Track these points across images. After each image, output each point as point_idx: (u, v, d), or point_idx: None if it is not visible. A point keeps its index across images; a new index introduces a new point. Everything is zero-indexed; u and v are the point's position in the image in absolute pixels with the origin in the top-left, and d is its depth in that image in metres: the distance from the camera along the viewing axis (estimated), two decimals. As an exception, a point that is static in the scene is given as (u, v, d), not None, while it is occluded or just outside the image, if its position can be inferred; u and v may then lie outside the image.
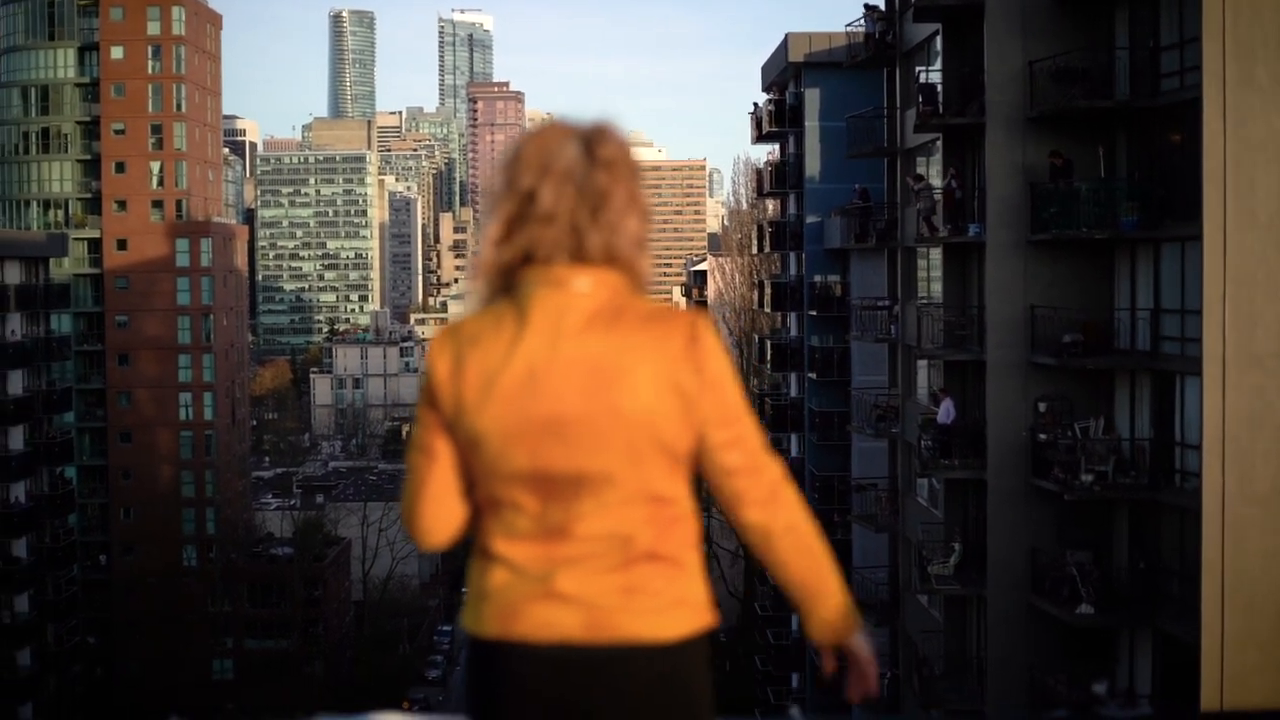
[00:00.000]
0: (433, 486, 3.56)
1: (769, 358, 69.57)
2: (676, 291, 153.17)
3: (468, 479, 3.56)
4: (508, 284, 3.52)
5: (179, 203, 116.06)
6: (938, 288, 44.03)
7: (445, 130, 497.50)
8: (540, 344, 3.40)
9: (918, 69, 45.75)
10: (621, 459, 3.40)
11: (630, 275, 3.51)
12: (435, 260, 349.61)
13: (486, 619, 3.48)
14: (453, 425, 3.50)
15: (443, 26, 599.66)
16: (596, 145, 3.49)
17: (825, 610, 3.66)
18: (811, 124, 61.97)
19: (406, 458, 3.64)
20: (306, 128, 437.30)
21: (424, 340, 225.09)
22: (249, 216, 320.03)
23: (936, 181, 43.76)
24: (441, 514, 3.58)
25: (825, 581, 3.66)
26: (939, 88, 42.22)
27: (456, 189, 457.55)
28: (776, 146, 71.66)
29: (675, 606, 3.45)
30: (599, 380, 3.38)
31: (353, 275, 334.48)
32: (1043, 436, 38.06)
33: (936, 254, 44.13)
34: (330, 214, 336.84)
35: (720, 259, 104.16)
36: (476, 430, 3.45)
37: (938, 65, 43.65)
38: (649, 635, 3.41)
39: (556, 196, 3.45)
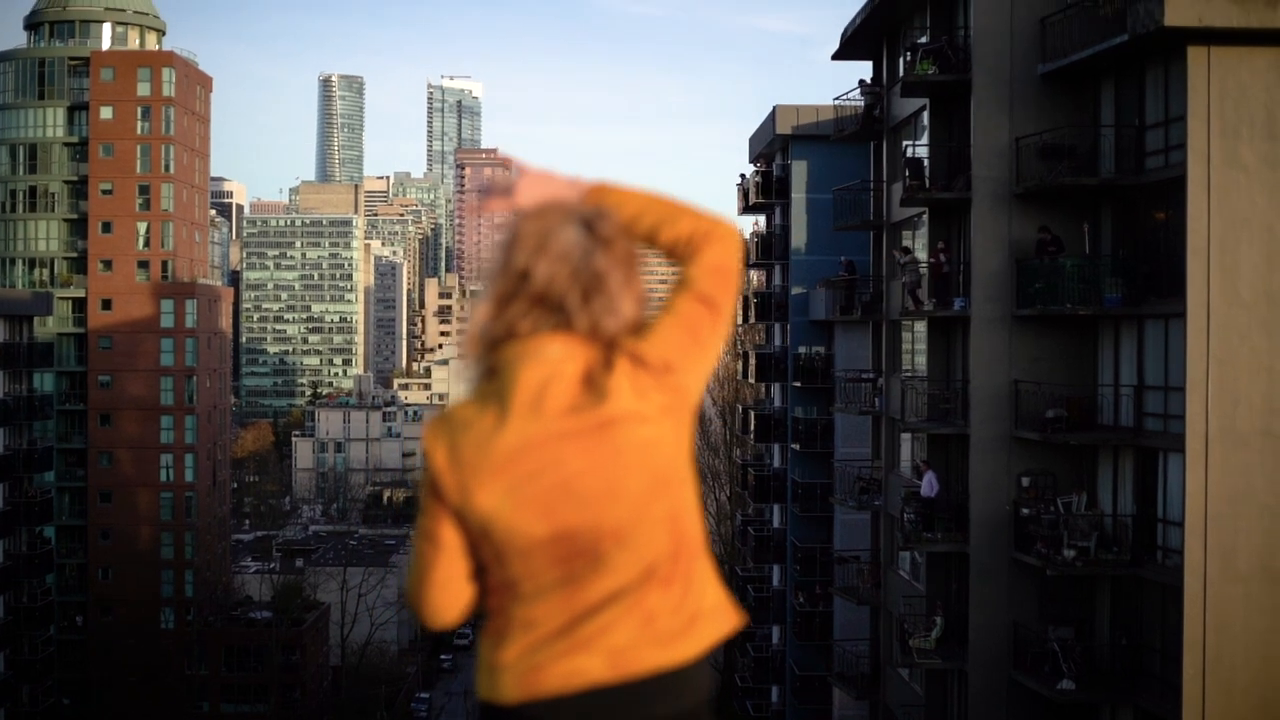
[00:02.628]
0: (439, 572, 3.51)
1: (752, 428, 69.47)
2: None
3: (475, 561, 3.52)
4: (493, 361, 3.47)
5: (165, 263, 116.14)
6: (922, 360, 44.08)
7: (432, 196, 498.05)
8: (527, 415, 3.36)
9: (905, 143, 45.93)
10: (637, 497, 3.37)
11: (606, 345, 3.44)
12: (420, 325, 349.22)
13: (506, 687, 3.41)
14: (460, 512, 3.45)
15: (431, 92, 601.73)
16: (596, 226, 3.46)
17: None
18: (798, 195, 62.15)
19: (413, 543, 3.58)
20: (294, 191, 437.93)
21: (407, 405, 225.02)
22: (234, 278, 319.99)
23: (922, 255, 43.88)
24: (448, 598, 3.54)
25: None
26: (926, 162, 42.37)
27: (442, 254, 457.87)
28: (763, 217, 71.82)
29: (692, 623, 3.43)
30: (591, 435, 3.34)
31: (337, 339, 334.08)
32: (1025, 511, 38.07)
33: (921, 327, 44.19)
34: (315, 277, 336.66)
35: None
36: (485, 512, 3.40)
37: (925, 140, 43.83)
38: (669, 663, 3.39)
39: (550, 277, 3.41)
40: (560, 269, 3.41)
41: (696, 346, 3.49)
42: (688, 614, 3.43)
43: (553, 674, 3.36)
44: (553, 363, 3.38)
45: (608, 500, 3.35)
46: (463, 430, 3.43)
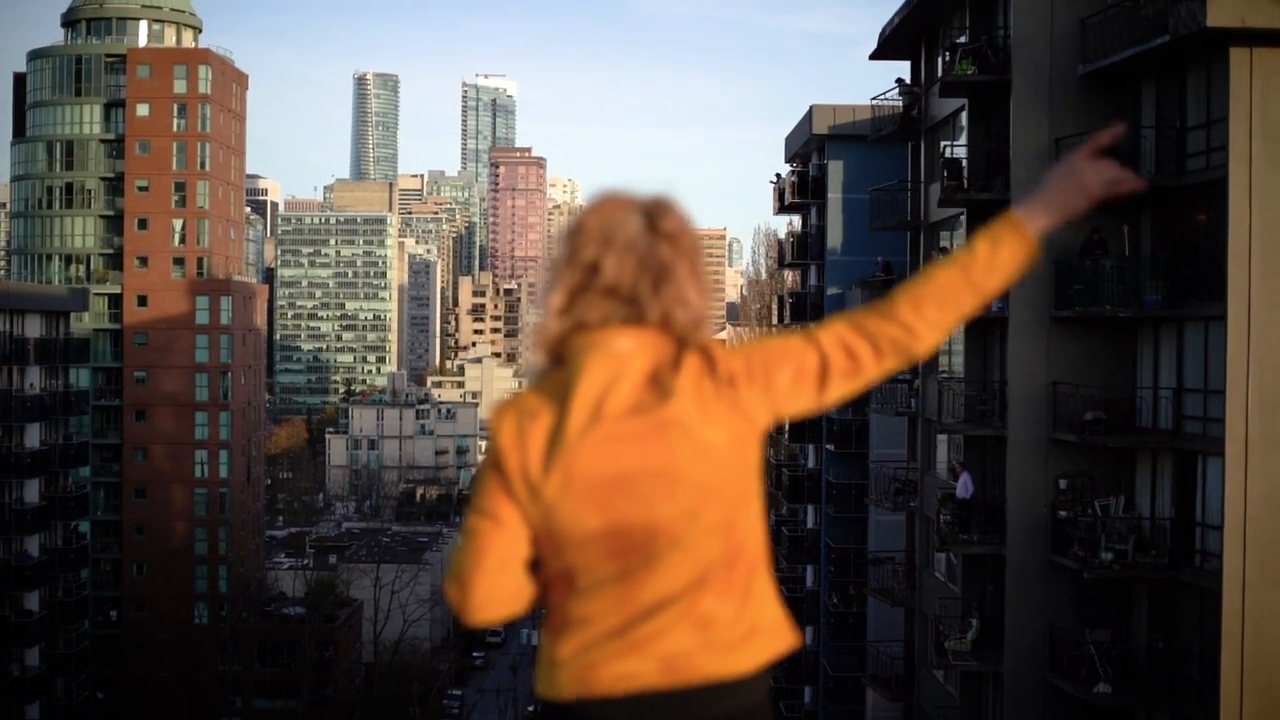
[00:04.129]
0: (495, 554, 3.49)
1: (786, 429, 69.38)
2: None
3: (533, 553, 3.51)
4: (562, 353, 3.52)
5: (200, 260, 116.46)
6: (959, 362, 43.93)
7: (466, 194, 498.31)
8: (591, 410, 3.40)
9: (943, 144, 45.75)
10: (691, 500, 3.40)
11: (676, 337, 3.49)
12: (453, 323, 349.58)
13: (562, 683, 3.45)
14: (521, 498, 3.47)
15: (466, 91, 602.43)
16: (659, 218, 3.50)
17: (1001, 247, 3.71)
18: (834, 196, 62.01)
19: (466, 526, 3.55)
20: (328, 188, 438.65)
21: (440, 403, 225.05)
22: (268, 275, 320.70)
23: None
24: (500, 585, 3.51)
25: (971, 263, 3.67)
26: (964, 163, 42.21)
27: (476, 253, 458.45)
28: (798, 217, 71.68)
29: (749, 637, 3.45)
30: (650, 435, 3.39)
31: (370, 337, 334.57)
32: (1063, 513, 37.85)
33: (958, 328, 43.97)
34: (350, 275, 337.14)
35: (738, 328, 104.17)
36: (545, 501, 3.43)
37: (963, 140, 43.64)
38: (725, 673, 3.41)
39: (619, 267, 3.46)
40: (628, 260, 3.46)
41: (767, 381, 3.51)
42: (746, 626, 3.45)
43: (605, 675, 3.40)
44: (621, 358, 3.43)
45: (661, 499, 3.38)
46: (530, 417, 3.47)
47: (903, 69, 50.68)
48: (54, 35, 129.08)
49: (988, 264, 3.66)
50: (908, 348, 3.59)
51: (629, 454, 3.39)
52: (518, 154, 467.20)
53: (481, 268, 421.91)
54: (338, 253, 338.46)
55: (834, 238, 62.44)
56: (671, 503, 3.39)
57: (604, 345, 3.44)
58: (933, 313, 3.59)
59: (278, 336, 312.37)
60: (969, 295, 3.63)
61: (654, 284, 3.45)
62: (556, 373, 3.51)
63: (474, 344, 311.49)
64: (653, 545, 3.40)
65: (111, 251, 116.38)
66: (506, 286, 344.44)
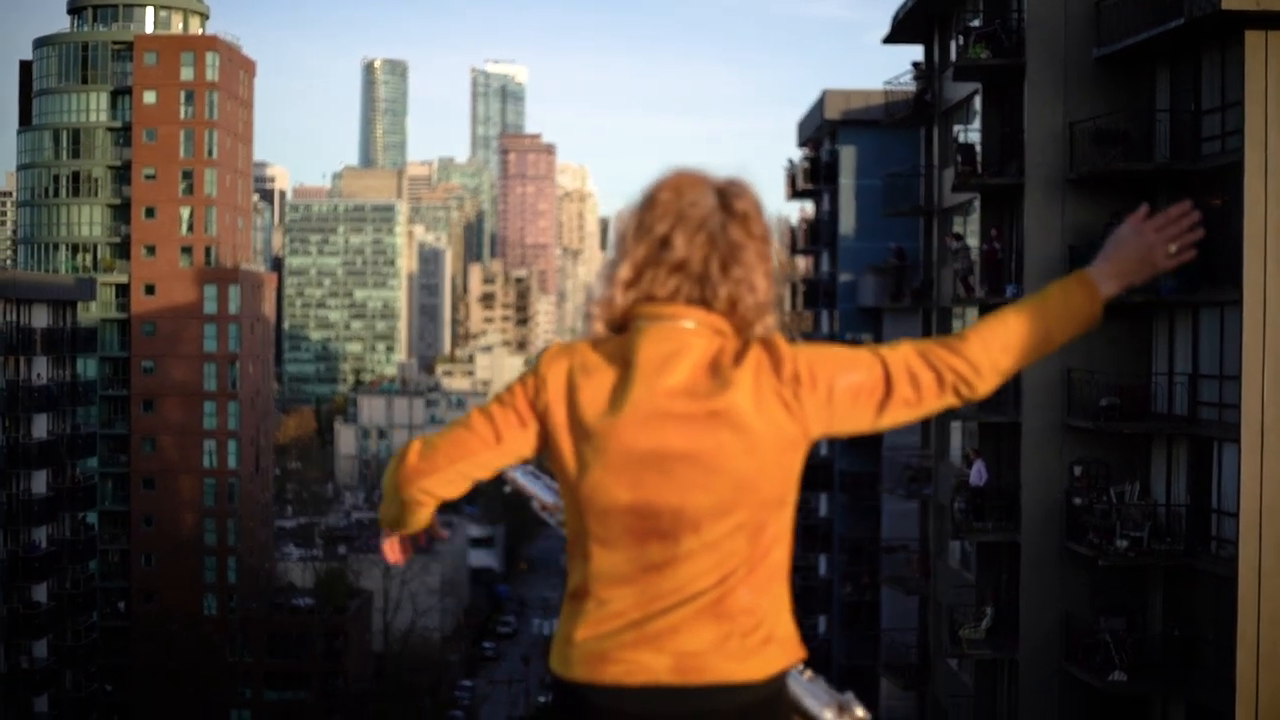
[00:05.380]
0: (470, 462, 3.58)
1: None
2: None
3: (494, 469, 3.60)
4: (625, 324, 3.51)
5: (208, 249, 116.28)
6: (973, 348, 43.60)
7: (476, 181, 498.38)
8: (647, 381, 3.39)
9: (956, 128, 45.56)
10: (726, 494, 3.38)
11: (742, 324, 3.47)
12: (463, 312, 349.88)
13: (575, 663, 3.46)
14: (553, 442, 3.50)
15: (475, 77, 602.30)
16: (732, 199, 3.48)
17: (1072, 302, 3.66)
18: (847, 181, 61.84)
19: (470, 414, 3.60)
20: (337, 176, 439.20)
21: (450, 392, 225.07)
22: (277, 264, 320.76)
23: (973, 241, 43.46)
24: (449, 483, 3.60)
25: (1044, 313, 3.65)
26: (978, 147, 42.00)
27: (486, 240, 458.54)
28: (810, 203, 71.46)
29: (765, 645, 3.44)
30: (699, 421, 3.37)
31: (379, 325, 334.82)
32: (1078, 500, 37.69)
33: (972, 315, 43.81)
34: (358, 263, 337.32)
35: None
36: (582, 458, 3.44)
37: (977, 124, 43.45)
38: (739, 679, 3.40)
39: (690, 245, 3.43)
40: (699, 237, 3.43)
41: (830, 391, 3.47)
42: (764, 634, 3.45)
43: (618, 663, 3.40)
44: (684, 335, 3.43)
45: (695, 488, 3.37)
46: (583, 373, 3.47)
47: (916, 53, 50.44)
48: (60, 23, 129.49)
49: (1060, 314, 3.65)
50: (971, 386, 3.57)
51: (673, 434, 3.37)
52: (527, 141, 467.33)
53: (492, 255, 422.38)
54: (346, 241, 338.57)
55: (846, 223, 62.27)
56: (706, 493, 3.37)
57: (669, 320, 3.44)
58: (999, 353, 3.58)
59: (286, 325, 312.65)
60: (1038, 342, 3.63)
61: (723, 265, 3.44)
62: (616, 338, 3.51)
63: (484, 332, 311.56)
64: (678, 532, 3.38)
65: (118, 240, 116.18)
66: (517, 274, 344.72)
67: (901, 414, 3.54)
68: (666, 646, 3.38)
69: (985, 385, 3.57)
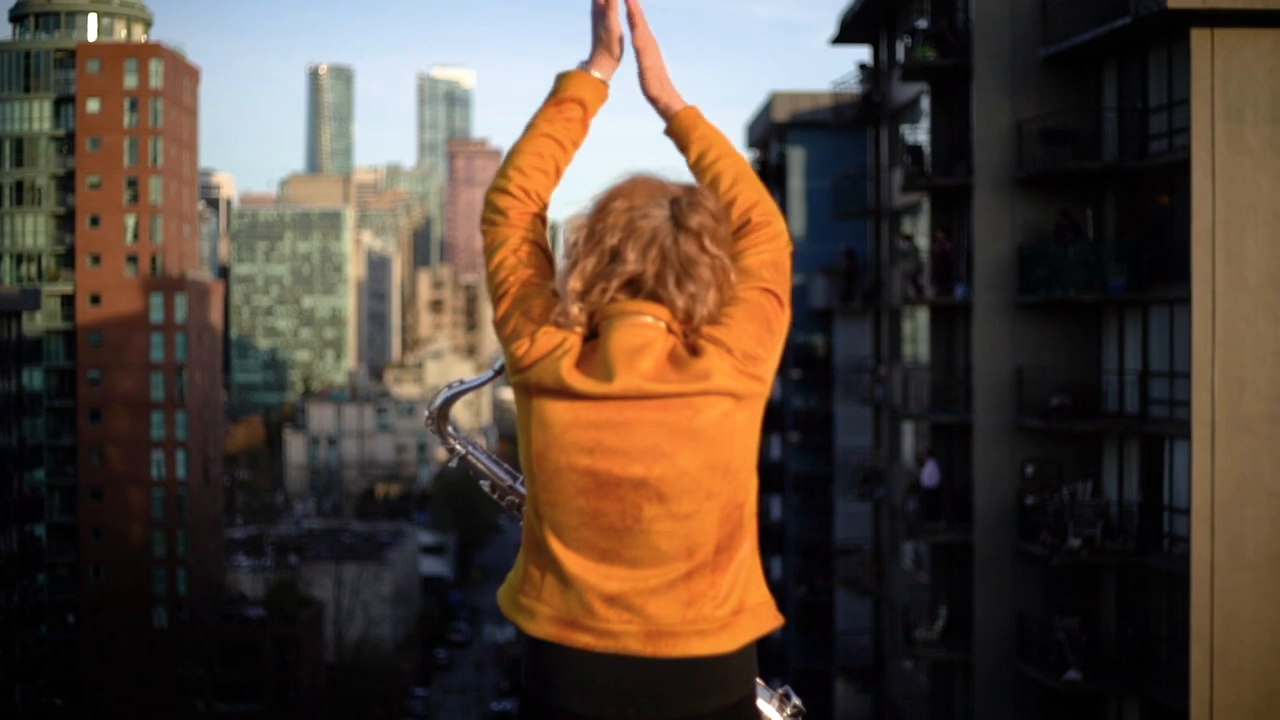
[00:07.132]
0: (540, 169, 3.72)
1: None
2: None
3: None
4: (589, 329, 3.43)
5: (154, 258, 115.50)
6: (923, 349, 43.72)
7: (424, 187, 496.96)
8: (624, 363, 3.32)
9: (904, 129, 45.60)
10: (691, 471, 3.32)
11: (692, 330, 3.42)
12: (412, 318, 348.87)
13: (542, 621, 3.42)
14: (522, 376, 3.43)
15: (421, 83, 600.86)
16: (687, 210, 3.38)
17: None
18: (796, 183, 61.86)
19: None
20: (283, 183, 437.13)
21: (400, 399, 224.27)
22: (223, 272, 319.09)
23: (923, 242, 43.49)
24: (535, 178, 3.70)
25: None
26: (926, 148, 42.02)
27: (434, 246, 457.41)
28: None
29: (735, 616, 3.41)
30: (676, 396, 3.31)
31: (328, 332, 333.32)
32: (1030, 500, 37.76)
33: (922, 315, 43.83)
34: (306, 270, 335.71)
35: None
36: (544, 410, 3.38)
37: (925, 125, 43.47)
38: (709, 651, 3.37)
39: (642, 259, 3.36)
40: (651, 252, 3.36)
41: (770, 336, 3.47)
42: (732, 606, 3.41)
43: (587, 632, 3.37)
44: (646, 331, 3.35)
45: (656, 459, 3.31)
46: (565, 352, 3.38)
47: (863, 54, 50.51)
48: (2, 31, 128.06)
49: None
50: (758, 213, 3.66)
51: (647, 408, 3.31)
52: (475, 146, 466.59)
53: (440, 261, 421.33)
54: (293, 248, 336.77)
55: (796, 225, 62.26)
56: (666, 465, 3.31)
57: (634, 314, 3.35)
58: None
59: (234, 334, 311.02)
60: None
61: (677, 281, 3.36)
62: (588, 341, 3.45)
63: (434, 338, 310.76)
64: (638, 500, 3.32)
65: (63, 250, 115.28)
66: (466, 280, 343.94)
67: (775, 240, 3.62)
68: (634, 617, 3.35)
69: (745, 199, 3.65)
